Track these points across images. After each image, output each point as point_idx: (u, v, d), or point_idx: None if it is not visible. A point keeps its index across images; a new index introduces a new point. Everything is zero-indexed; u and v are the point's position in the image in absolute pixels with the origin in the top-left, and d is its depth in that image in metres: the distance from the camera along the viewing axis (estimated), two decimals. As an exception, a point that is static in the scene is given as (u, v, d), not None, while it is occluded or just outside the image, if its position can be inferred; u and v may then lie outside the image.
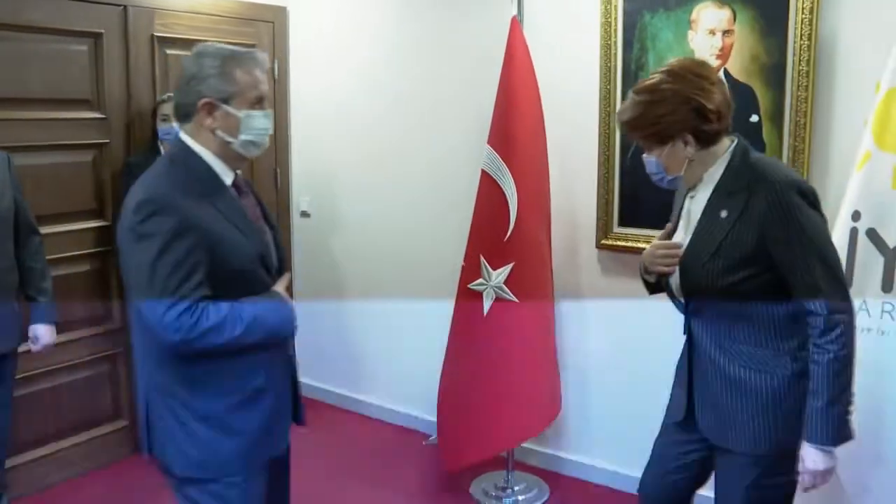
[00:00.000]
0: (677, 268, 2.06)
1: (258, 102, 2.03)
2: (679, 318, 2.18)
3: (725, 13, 3.04)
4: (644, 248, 2.23)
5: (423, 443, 4.05)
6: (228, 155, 2.02)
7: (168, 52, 3.92)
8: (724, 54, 3.06)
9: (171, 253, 1.83)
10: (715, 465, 2.16)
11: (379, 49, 4.13)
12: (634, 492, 2.42)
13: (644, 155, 2.08)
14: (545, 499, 3.56)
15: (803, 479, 1.95)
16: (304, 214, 4.60)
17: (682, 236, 2.09)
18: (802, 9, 2.86)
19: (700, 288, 2.01)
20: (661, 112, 1.94)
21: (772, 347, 1.96)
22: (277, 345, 2.09)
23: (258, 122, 2.02)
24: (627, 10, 3.24)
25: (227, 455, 2.00)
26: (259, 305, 1.98)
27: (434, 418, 3.64)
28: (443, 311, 3.53)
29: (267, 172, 4.51)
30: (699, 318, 2.07)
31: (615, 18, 3.27)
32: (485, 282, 3.34)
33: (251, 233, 2.01)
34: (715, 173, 2.00)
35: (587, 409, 3.66)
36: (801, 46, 2.88)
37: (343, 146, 4.36)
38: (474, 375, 3.35)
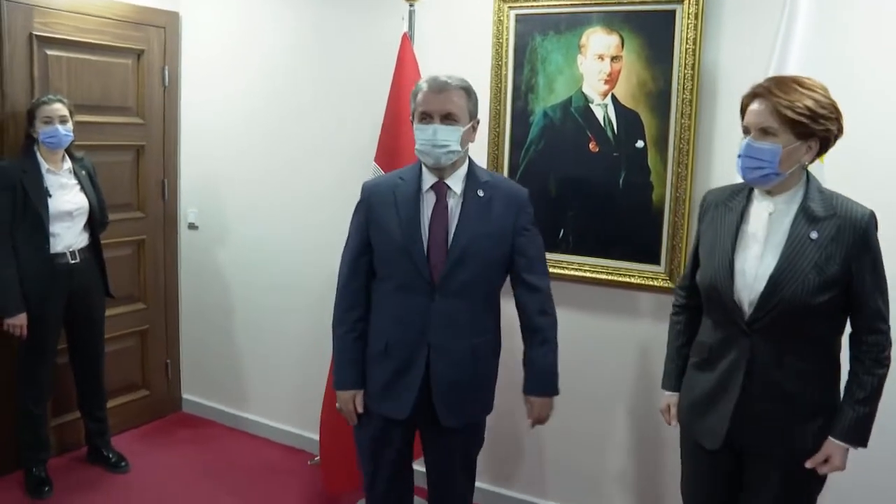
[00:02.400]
0: (752, 280, 2.10)
1: None
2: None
3: (614, 39, 3.07)
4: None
5: (308, 462, 3.95)
6: None
7: (49, 52, 3.73)
8: (611, 80, 3.09)
9: None
10: (746, 475, 2.24)
11: (271, 61, 4.03)
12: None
13: (753, 139, 2.07)
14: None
15: (821, 469, 2.12)
16: (192, 227, 4.45)
17: (760, 249, 2.12)
18: (686, 39, 2.92)
19: (790, 302, 2.04)
20: (820, 110, 2.01)
21: (822, 363, 2.12)
22: None
23: None
24: (519, 31, 3.23)
25: None
26: None
27: (318, 437, 3.58)
28: (327, 327, 3.39)
29: (154, 183, 4.35)
30: (762, 336, 2.10)
31: (506, 39, 3.26)
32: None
33: None
34: (797, 193, 2.10)
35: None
36: (685, 75, 2.95)
37: (233, 157, 4.23)
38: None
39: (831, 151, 2.39)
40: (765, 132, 2.05)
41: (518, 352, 2.63)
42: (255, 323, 4.28)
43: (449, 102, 2.38)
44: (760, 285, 2.08)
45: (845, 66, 2.69)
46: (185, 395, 4.64)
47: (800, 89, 2.04)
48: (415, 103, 2.43)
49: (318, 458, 3.66)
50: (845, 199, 2.09)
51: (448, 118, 2.37)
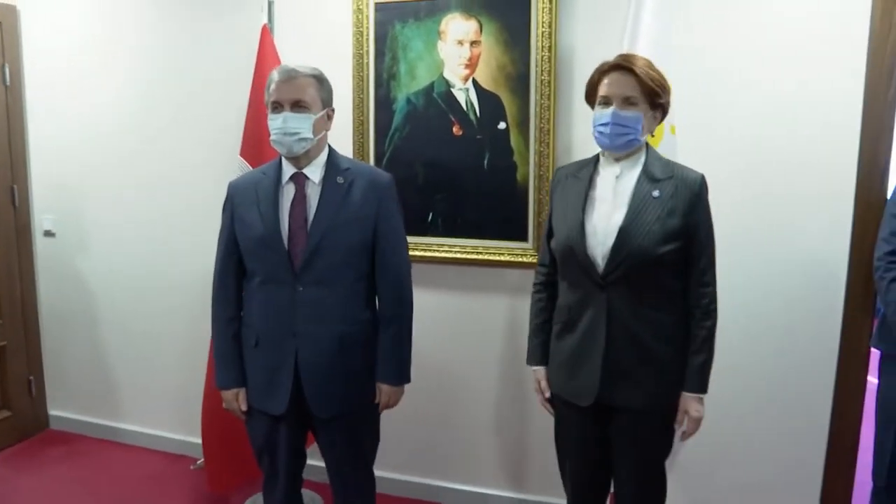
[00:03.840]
0: (603, 236, 2.23)
1: None
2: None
3: (472, 25, 3.12)
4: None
5: (191, 467, 3.87)
6: None
7: None
8: (471, 64, 3.14)
9: None
10: (610, 427, 2.36)
11: (125, 55, 3.87)
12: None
13: (618, 108, 2.21)
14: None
15: (688, 428, 2.30)
16: (48, 234, 4.24)
17: (608, 208, 2.26)
18: (542, 22, 3.01)
19: (639, 252, 2.18)
20: (665, 86, 2.24)
21: (674, 314, 2.26)
22: None
23: None
24: (379, 19, 3.24)
25: None
26: None
27: (200, 441, 3.50)
28: (202, 328, 3.32)
29: (2, 190, 4.12)
30: (617, 288, 2.23)
31: (367, 28, 3.27)
32: (242, 300, 3.23)
33: None
34: (639, 159, 2.28)
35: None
36: (542, 58, 3.03)
37: (92, 160, 4.05)
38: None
39: (682, 127, 2.65)
40: (628, 101, 2.21)
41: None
42: (124, 329, 4.13)
43: (298, 90, 2.38)
44: (611, 239, 2.21)
45: (690, 47, 2.89)
46: (52, 412, 4.43)
47: (649, 63, 2.24)
48: (268, 94, 2.43)
49: (201, 461, 3.59)
50: (680, 165, 2.29)
51: (298, 106, 2.38)
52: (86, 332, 4.23)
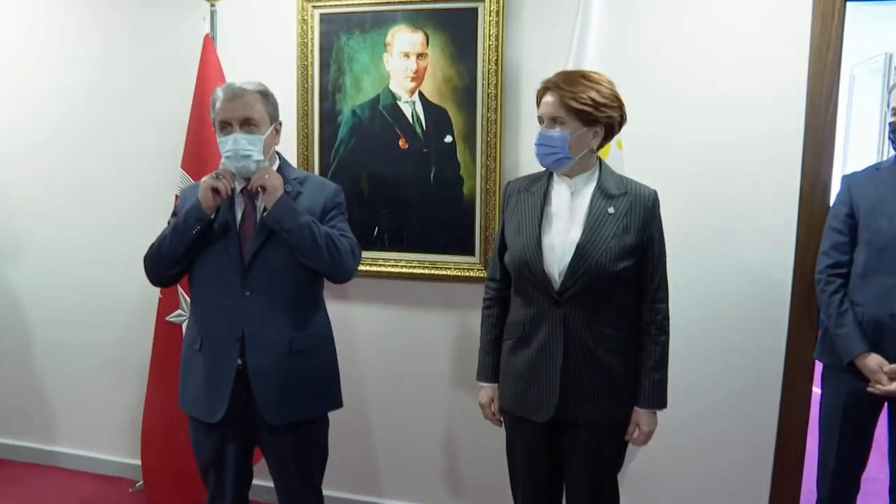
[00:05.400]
0: (561, 252, 2.23)
1: None
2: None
3: (419, 37, 3.11)
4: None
5: (130, 490, 3.74)
6: None
7: None
8: (418, 77, 3.13)
9: None
10: (562, 442, 2.36)
11: (59, 63, 3.75)
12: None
13: (545, 128, 2.25)
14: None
15: (637, 440, 2.34)
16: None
17: (565, 225, 2.27)
18: (489, 35, 3.00)
19: (597, 269, 2.19)
20: (602, 100, 2.21)
21: (626, 331, 2.29)
22: None
23: None
24: (324, 31, 3.21)
25: None
26: None
27: (140, 462, 3.41)
28: (142, 343, 3.33)
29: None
30: (573, 304, 2.23)
31: (311, 39, 3.23)
32: (183, 313, 3.19)
33: None
34: (592, 175, 2.29)
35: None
36: (489, 70, 3.03)
37: (19, 169, 3.89)
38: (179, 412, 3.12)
39: (628, 138, 2.70)
40: (554, 121, 2.23)
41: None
42: (58, 345, 3.97)
43: (246, 108, 2.36)
44: (568, 256, 2.22)
45: (636, 60, 2.93)
46: (-21, 437, 4.24)
47: (585, 82, 2.22)
48: (214, 113, 2.40)
49: (140, 483, 3.49)
50: (633, 181, 2.32)
51: (247, 124, 2.36)
52: (16, 349, 4.06)
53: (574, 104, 2.19)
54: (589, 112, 2.20)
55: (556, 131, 2.23)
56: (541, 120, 2.28)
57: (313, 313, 2.53)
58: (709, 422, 3.06)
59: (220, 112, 2.36)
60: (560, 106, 2.22)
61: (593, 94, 2.20)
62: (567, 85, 2.21)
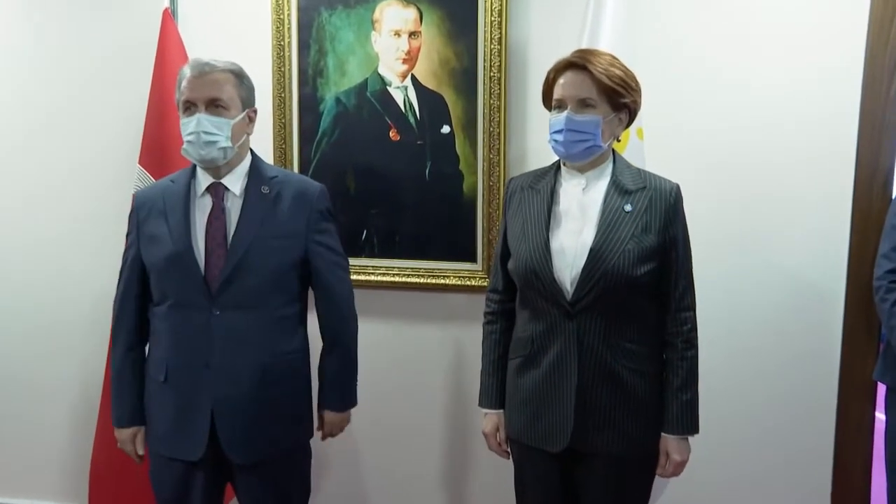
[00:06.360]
0: (572, 257, 2.11)
1: None
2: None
3: (411, 13, 2.93)
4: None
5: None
6: None
7: None
8: (410, 58, 2.96)
9: None
10: (578, 473, 2.23)
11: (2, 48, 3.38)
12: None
13: (573, 112, 2.09)
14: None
15: (667, 471, 2.18)
16: None
17: (576, 225, 2.14)
18: (492, 10, 2.83)
19: (614, 274, 2.06)
20: (630, 83, 2.11)
21: (648, 345, 2.15)
22: None
23: None
24: (302, 6, 2.99)
25: None
26: None
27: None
28: (94, 374, 3.10)
29: None
30: (588, 316, 2.10)
31: (288, 16, 3.01)
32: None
33: None
34: (606, 168, 2.17)
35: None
36: (491, 51, 2.86)
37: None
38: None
39: (650, 128, 2.63)
40: (584, 104, 2.09)
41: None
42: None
43: (214, 87, 2.22)
44: (581, 260, 2.09)
45: (660, 39, 2.81)
46: None
47: (610, 59, 2.12)
48: (178, 93, 2.26)
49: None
50: (652, 174, 2.20)
51: (214, 105, 2.22)
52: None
53: (607, 82, 2.07)
54: (620, 93, 2.09)
55: (588, 115, 2.08)
56: (560, 104, 2.12)
57: (292, 336, 2.39)
58: (749, 455, 2.90)
59: (184, 90, 2.23)
60: (592, 85, 2.07)
61: (621, 73, 2.10)
62: (597, 61, 2.09)
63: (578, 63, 2.09)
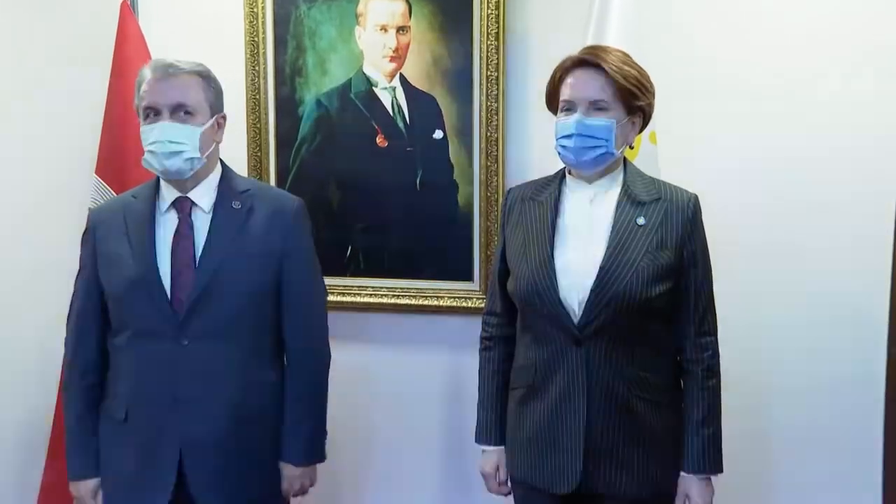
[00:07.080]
0: (579, 276, 2.04)
1: None
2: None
3: (399, 6, 2.85)
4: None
5: None
6: None
7: None
8: (399, 56, 2.88)
9: None
10: None
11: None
12: None
13: (585, 115, 2.02)
14: None
15: None
16: None
17: (583, 241, 2.09)
18: (488, 3, 2.76)
19: (626, 295, 2.00)
20: (646, 84, 2.06)
21: (664, 373, 2.09)
22: None
23: None
24: (279, -1, 2.96)
25: None
26: None
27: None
28: (37, 413, 2.94)
29: None
30: (597, 342, 2.03)
31: (262, 9, 2.92)
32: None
33: None
34: (617, 178, 2.12)
35: None
36: (488, 48, 2.78)
37: None
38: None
39: (663, 133, 2.53)
40: (596, 106, 2.04)
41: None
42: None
43: (179, 91, 2.14)
44: (589, 280, 2.03)
45: (674, 32, 2.71)
46: None
47: (622, 56, 2.08)
48: (138, 97, 2.18)
49: None
50: (667, 184, 2.16)
51: (180, 111, 2.13)
52: None
53: (623, 82, 2.01)
54: (637, 95, 2.04)
55: (601, 119, 2.01)
56: (568, 107, 2.06)
57: (268, 368, 2.29)
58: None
59: (145, 95, 2.14)
60: (605, 86, 2.01)
61: (636, 73, 2.05)
62: (611, 59, 2.03)
63: (591, 61, 2.02)
